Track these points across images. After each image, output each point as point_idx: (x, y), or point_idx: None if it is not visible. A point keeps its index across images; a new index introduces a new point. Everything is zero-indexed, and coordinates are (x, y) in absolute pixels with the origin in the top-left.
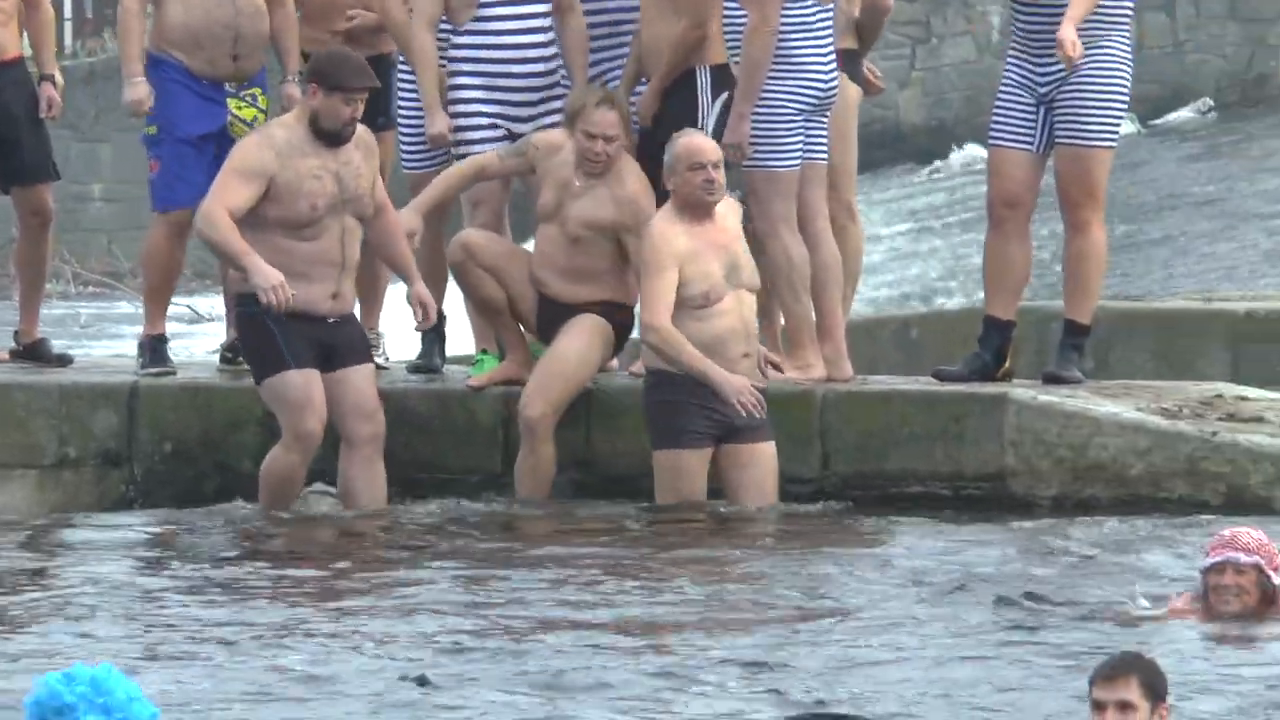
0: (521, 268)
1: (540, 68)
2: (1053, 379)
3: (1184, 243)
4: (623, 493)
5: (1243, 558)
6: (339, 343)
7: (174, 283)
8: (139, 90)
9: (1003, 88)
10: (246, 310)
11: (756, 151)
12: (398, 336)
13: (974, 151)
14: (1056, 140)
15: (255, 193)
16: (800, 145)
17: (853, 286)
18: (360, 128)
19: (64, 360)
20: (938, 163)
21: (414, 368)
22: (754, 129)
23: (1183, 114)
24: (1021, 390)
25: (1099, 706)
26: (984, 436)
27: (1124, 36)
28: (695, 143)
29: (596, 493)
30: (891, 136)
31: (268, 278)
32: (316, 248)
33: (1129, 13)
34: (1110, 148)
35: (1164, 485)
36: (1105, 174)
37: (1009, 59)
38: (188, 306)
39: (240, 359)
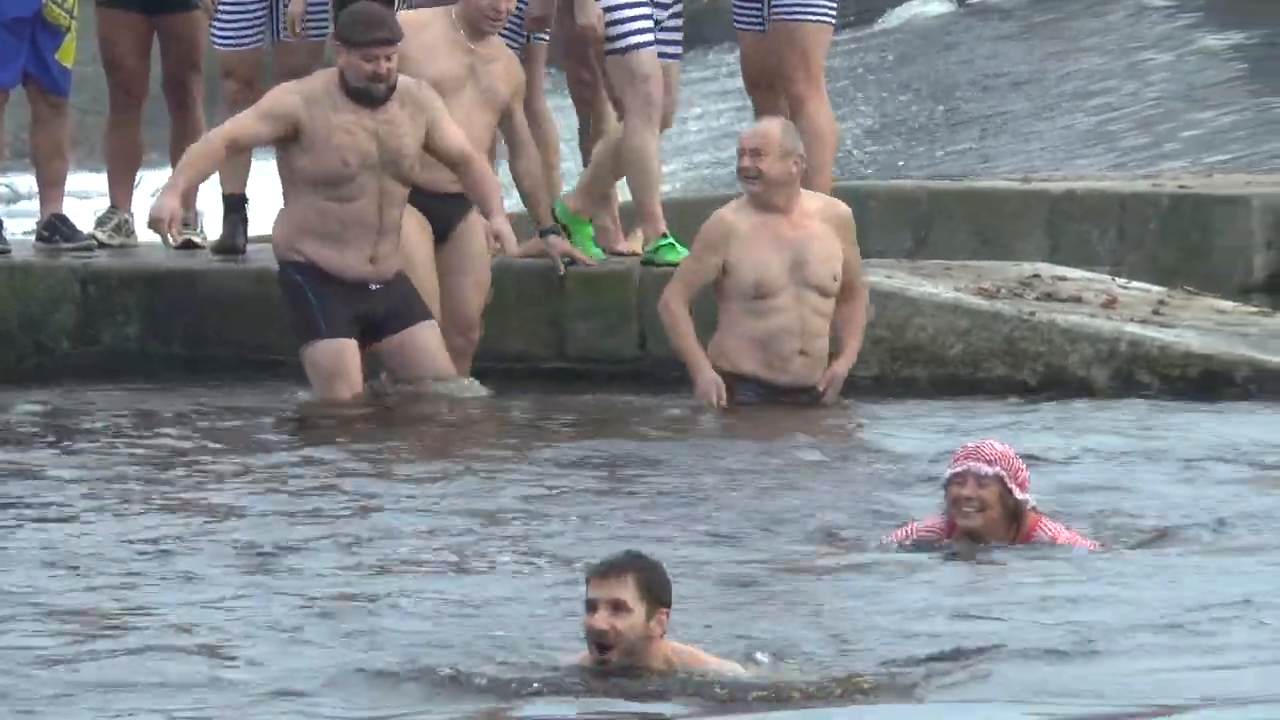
0: None
1: None
2: None
3: (1001, 122)
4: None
5: (984, 468)
6: (384, 309)
7: None
8: None
9: None
10: (287, 276)
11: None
12: (214, 216)
13: None
14: (772, 16)
15: (269, 132)
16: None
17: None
18: (412, 82)
19: None
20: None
21: (217, 248)
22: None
23: None
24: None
25: (591, 605)
26: None
27: None
28: (746, 129)
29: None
30: None
31: (162, 206)
32: (352, 209)
33: None
34: (827, 24)
35: (983, 365)
36: (822, 51)
37: None
38: (5, 186)
39: (56, 237)
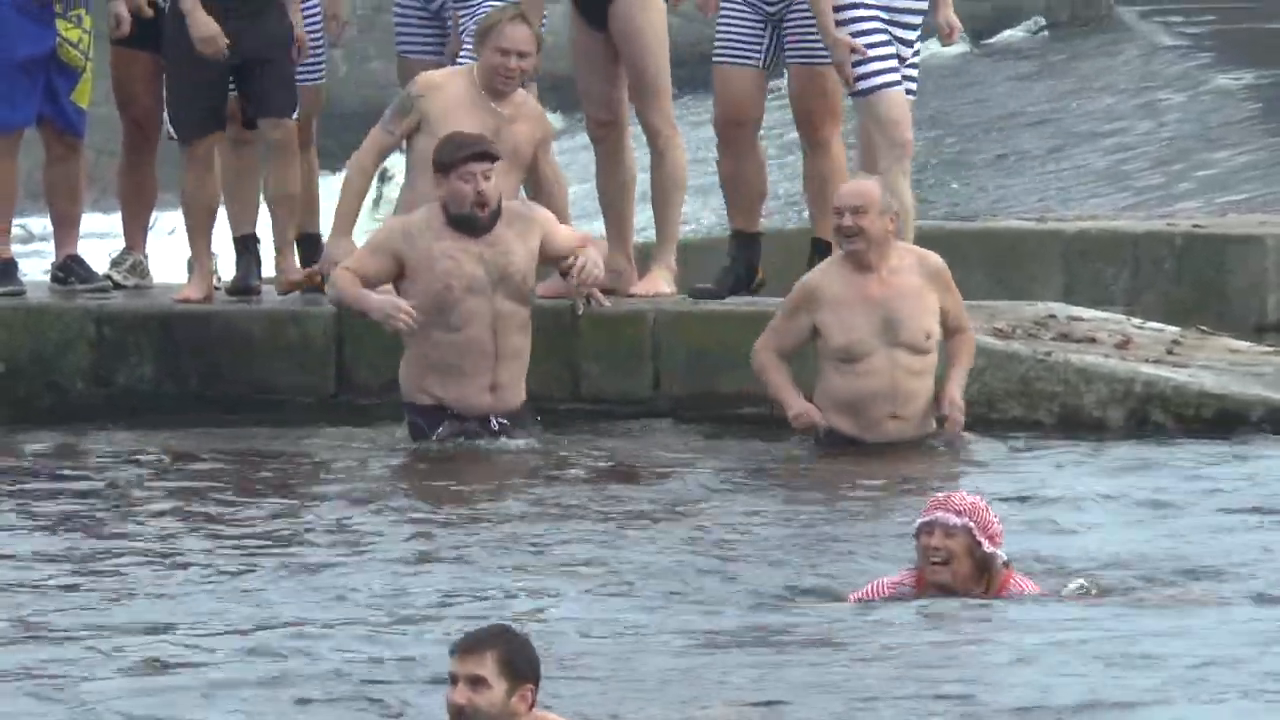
0: None
1: None
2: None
3: (1016, 163)
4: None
5: (952, 519)
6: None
7: (11, 205)
8: None
9: (727, 6)
10: (410, 419)
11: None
12: (227, 258)
13: None
14: (790, 60)
15: (380, 266)
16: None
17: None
18: (519, 204)
19: None
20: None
21: (232, 289)
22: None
23: (1014, 33)
24: None
25: (451, 679)
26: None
27: None
28: (845, 186)
29: None
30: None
31: (382, 307)
32: (464, 337)
33: None
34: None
35: (998, 406)
36: (841, 91)
37: None
38: (20, 227)
39: (71, 279)
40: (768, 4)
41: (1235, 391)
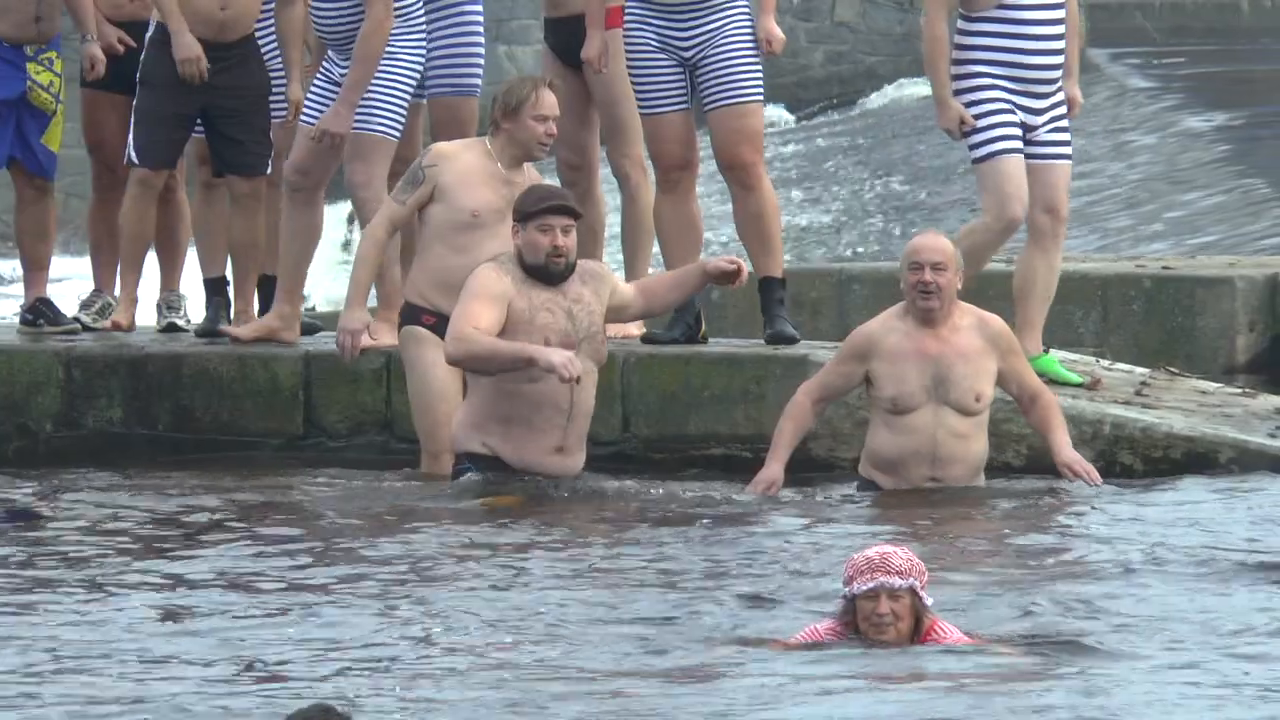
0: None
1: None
2: (779, 338)
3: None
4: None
5: (897, 582)
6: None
7: None
8: None
9: (639, 55)
10: (461, 469)
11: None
12: (197, 299)
13: (778, 112)
14: (710, 104)
15: (498, 315)
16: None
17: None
18: (590, 262)
19: None
20: None
21: (202, 331)
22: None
23: None
24: (823, 352)
25: None
26: (784, 398)
27: None
28: (920, 241)
29: (408, 459)
30: None
31: (550, 358)
32: (541, 390)
33: None
34: (761, 101)
35: None
36: (762, 126)
37: (632, 23)
38: None
39: (40, 321)
40: (681, 49)
41: (1204, 433)
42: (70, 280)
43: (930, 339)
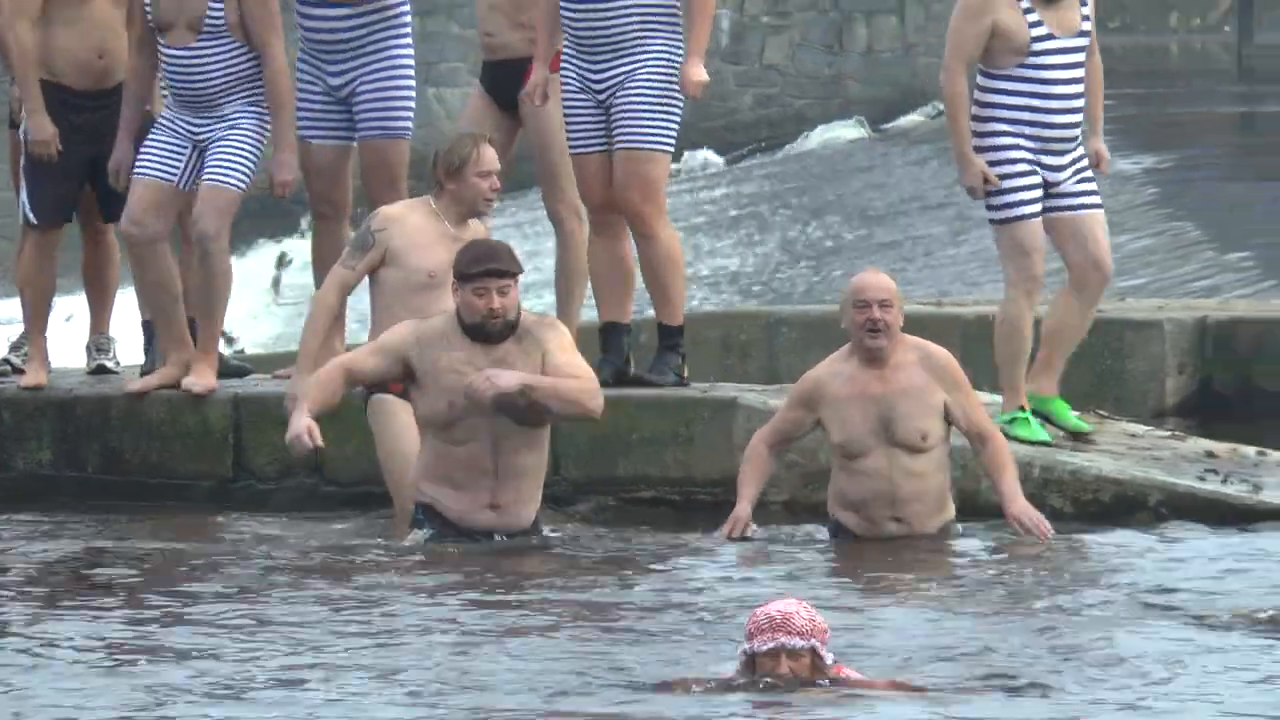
0: None
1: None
2: (644, 382)
3: (915, 246)
4: (355, 501)
5: (798, 642)
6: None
7: None
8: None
9: (567, 93)
10: (415, 517)
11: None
12: (128, 342)
13: (706, 155)
14: (615, 145)
15: (379, 366)
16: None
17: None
18: (534, 319)
19: None
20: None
21: (143, 375)
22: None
23: (912, 117)
24: (752, 395)
25: None
26: (714, 441)
27: (677, 36)
28: (864, 279)
29: (337, 502)
30: None
31: (294, 427)
32: (465, 452)
33: (675, 13)
34: (667, 152)
35: None
36: (664, 178)
37: (564, 61)
38: None
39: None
40: (597, 90)
41: (1134, 476)
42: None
43: (874, 380)
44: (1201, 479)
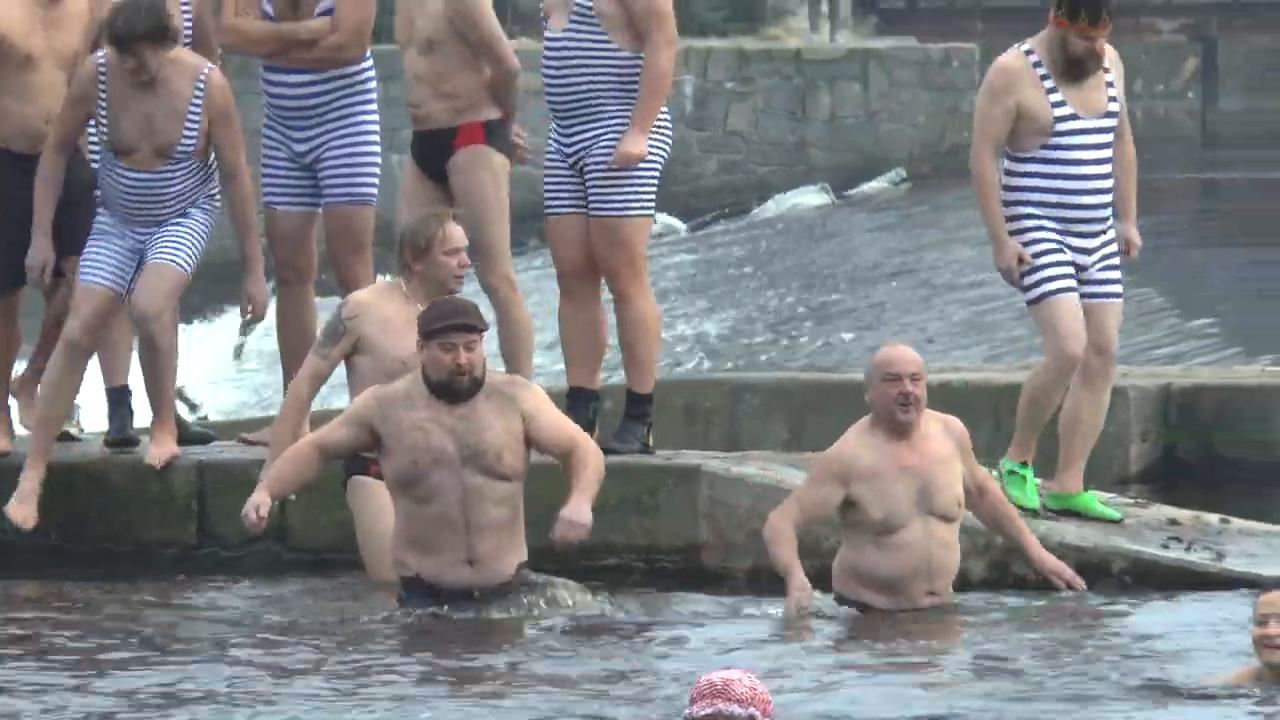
0: None
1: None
2: (609, 450)
3: (878, 313)
4: (320, 566)
5: (736, 710)
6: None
7: None
8: None
9: (548, 155)
10: (399, 593)
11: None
12: (92, 407)
13: (670, 221)
14: (590, 212)
15: (347, 436)
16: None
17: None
18: (504, 378)
19: None
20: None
21: (110, 443)
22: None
23: (876, 184)
24: (716, 462)
25: None
26: (678, 508)
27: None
28: (892, 353)
29: (302, 568)
30: None
31: (250, 500)
32: (434, 510)
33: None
34: (646, 216)
35: None
36: (643, 242)
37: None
38: None
39: None
40: (569, 153)
41: (1097, 544)
42: None
43: (906, 450)
44: (1165, 547)
